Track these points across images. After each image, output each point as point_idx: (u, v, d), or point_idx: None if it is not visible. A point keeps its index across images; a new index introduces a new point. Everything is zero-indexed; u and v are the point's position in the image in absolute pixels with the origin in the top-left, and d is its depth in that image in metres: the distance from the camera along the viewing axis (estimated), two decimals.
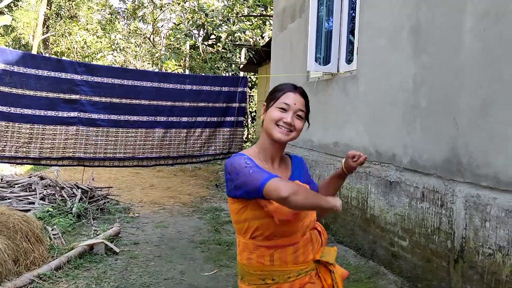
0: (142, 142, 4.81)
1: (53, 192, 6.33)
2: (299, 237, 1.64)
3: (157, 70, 16.62)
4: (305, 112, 1.72)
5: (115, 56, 18.33)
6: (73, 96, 4.63)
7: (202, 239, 5.23)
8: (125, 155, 4.74)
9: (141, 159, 4.90)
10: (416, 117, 3.85)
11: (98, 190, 6.88)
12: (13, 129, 4.39)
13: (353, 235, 4.88)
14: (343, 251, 4.79)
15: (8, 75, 4.37)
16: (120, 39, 17.92)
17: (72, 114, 4.63)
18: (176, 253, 4.73)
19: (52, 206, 5.79)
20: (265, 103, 1.74)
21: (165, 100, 5.04)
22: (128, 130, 4.78)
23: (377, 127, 4.50)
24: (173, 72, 15.81)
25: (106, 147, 4.63)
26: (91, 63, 15.34)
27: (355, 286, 3.86)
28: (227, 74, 15.22)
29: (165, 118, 5.04)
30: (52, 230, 4.91)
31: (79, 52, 20.56)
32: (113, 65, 16.94)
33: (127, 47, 18.25)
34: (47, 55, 20.04)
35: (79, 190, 6.41)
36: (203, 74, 13.03)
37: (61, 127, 4.56)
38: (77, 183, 6.75)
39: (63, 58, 18.51)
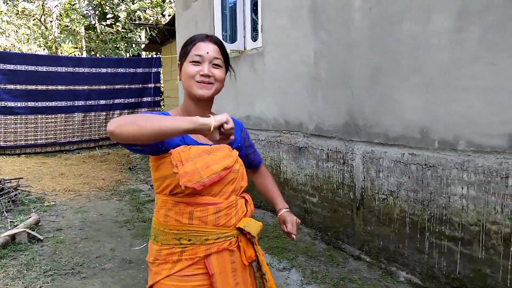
0: (62, 127, 4.79)
1: None
2: (222, 198, 1.54)
3: (50, 54, 15.63)
4: (222, 59, 1.56)
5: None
6: None
7: (126, 219, 5.35)
8: (46, 141, 4.70)
9: (63, 144, 4.88)
10: (318, 88, 4.33)
11: (7, 182, 6.58)
12: None
13: None
14: (261, 214, 5.24)
15: None
16: (5, 21, 16.46)
17: None
18: (102, 233, 4.82)
19: None
20: (179, 62, 1.58)
21: (82, 84, 5.03)
22: (47, 116, 4.72)
23: (284, 99, 4.93)
24: (88, 56, 14.99)
25: (26, 134, 4.56)
26: (3, 51, 14.03)
27: (275, 242, 4.33)
28: (128, 55, 14.81)
29: (83, 102, 5.03)
30: None
31: None
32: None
33: (12, 30, 16.85)
34: None
35: None
36: (113, 56, 12.60)
37: None
38: None
39: None
